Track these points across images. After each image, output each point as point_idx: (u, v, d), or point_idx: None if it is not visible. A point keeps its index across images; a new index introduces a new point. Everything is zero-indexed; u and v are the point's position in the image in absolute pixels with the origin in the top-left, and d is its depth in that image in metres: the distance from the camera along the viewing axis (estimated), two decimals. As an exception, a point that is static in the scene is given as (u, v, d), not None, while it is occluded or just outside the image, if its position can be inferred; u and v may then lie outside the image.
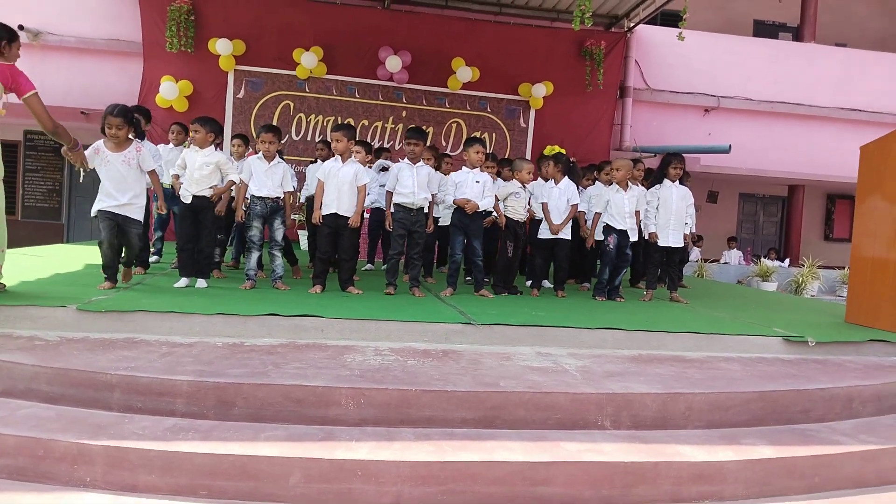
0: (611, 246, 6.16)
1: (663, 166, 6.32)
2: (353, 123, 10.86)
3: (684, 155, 6.52)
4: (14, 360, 3.31)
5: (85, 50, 10.67)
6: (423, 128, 11.02)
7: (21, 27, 10.23)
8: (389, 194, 5.87)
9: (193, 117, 7.29)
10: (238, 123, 10.52)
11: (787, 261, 13.74)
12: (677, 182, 6.30)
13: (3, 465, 2.81)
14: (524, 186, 6.22)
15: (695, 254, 13.38)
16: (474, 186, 5.85)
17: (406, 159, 5.78)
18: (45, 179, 12.21)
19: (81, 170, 5.00)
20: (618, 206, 6.15)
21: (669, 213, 6.24)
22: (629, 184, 6.24)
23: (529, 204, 6.41)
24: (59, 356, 3.43)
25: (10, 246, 8.68)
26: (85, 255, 7.24)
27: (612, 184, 6.28)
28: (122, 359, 3.45)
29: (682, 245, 6.42)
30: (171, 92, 10.12)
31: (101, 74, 10.70)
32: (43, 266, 6.05)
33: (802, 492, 3.15)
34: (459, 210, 5.81)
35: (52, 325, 3.98)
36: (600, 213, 6.24)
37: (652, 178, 6.49)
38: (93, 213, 4.99)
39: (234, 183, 5.57)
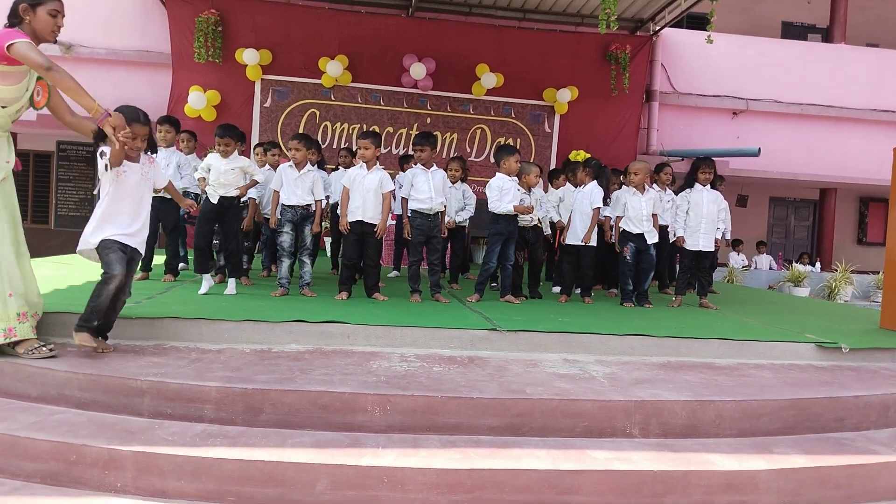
0: (627, 257, 6.13)
1: (693, 171, 6.26)
2: (378, 131, 10.90)
3: (713, 159, 6.42)
4: (47, 367, 3.38)
5: (115, 62, 10.87)
6: (448, 134, 11.09)
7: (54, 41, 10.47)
8: (405, 201, 5.87)
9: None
10: (265, 132, 10.63)
11: (819, 265, 13.49)
12: (708, 186, 6.22)
13: (37, 469, 2.86)
14: (530, 191, 6.22)
15: (737, 259, 13.21)
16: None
17: (419, 165, 5.79)
18: (77, 189, 12.44)
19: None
20: (635, 209, 6.12)
21: (700, 217, 6.17)
22: (646, 186, 6.22)
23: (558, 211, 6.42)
24: (91, 362, 3.48)
25: (43, 254, 8.88)
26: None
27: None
28: (152, 365, 3.50)
29: (712, 249, 6.33)
30: (199, 102, 10.27)
31: (130, 85, 10.86)
32: (74, 274, 6.15)
33: (837, 502, 3.08)
34: (504, 217, 5.80)
35: (84, 332, 4.03)
36: (621, 217, 6.19)
37: (683, 183, 6.41)
38: (94, 243, 3.80)
39: (257, 182, 5.73)
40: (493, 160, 6.12)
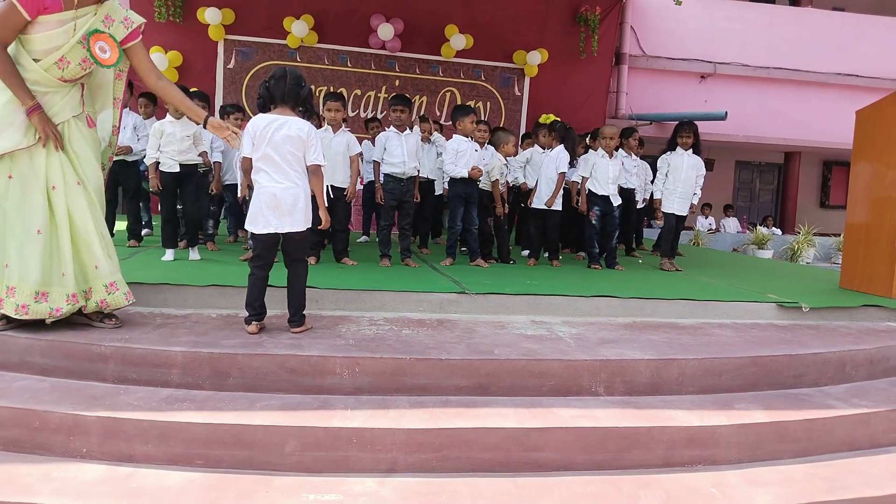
0: (593, 220, 6.17)
1: (673, 135, 6.27)
2: (346, 93, 10.74)
3: (694, 123, 6.43)
4: (7, 334, 3.30)
5: (72, 20, 10.49)
6: (417, 97, 10.96)
7: (7, -2, 10.07)
8: (377, 164, 5.81)
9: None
10: (229, 94, 10.39)
11: (778, 230, 13.75)
12: (690, 151, 6.25)
13: (0, 436, 2.82)
14: (506, 161, 6.22)
15: (703, 222, 13.39)
16: (474, 154, 5.82)
17: (392, 128, 5.71)
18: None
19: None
20: (602, 171, 6.16)
21: (678, 181, 6.21)
22: (614, 151, 6.24)
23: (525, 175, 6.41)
24: (53, 328, 3.42)
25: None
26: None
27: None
28: (116, 330, 3.45)
29: (685, 215, 6.39)
30: (160, 63, 9.95)
31: (89, 45, 10.53)
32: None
33: (795, 455, 3.18)
34: (461, 180, 5.77)
35: (45, 298, 3.95)
36: (586, 178, 6.22)
37: (665, 146, 6.43)
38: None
39: (205, 151, 5.60)
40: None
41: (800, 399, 3.50)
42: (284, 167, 3.52)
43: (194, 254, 5.31)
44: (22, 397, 2.94)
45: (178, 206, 5.79)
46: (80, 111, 3.47)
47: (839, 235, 12.23)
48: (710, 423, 3.11)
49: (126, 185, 5.90)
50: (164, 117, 5.42)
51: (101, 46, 3.38)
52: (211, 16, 10.02)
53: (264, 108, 3.62)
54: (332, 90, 10.64)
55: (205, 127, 3.64)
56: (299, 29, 10.27)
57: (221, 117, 6.87)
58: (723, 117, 11.29)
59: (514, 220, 7.74)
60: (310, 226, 3.66)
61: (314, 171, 3.64)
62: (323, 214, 3.74)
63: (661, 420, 3.10)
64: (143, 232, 6.73)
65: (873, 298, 5.00)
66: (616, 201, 6.29)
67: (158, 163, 5.36)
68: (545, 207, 6.18)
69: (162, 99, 3.97)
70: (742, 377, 3.58)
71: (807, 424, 3.23)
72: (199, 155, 5.45)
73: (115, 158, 5.73)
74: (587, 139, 6.92)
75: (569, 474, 2.90)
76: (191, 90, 5.87)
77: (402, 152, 5.62)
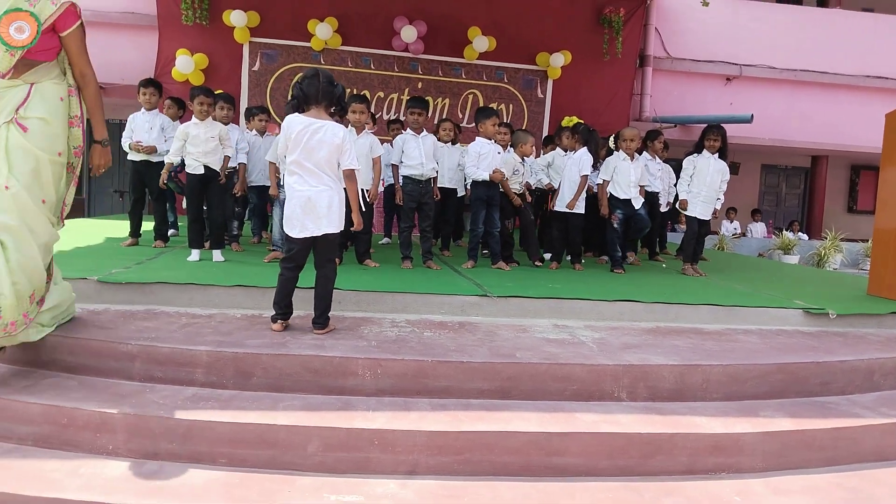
0: (615, 224, 6.13)
1: (701, 137, 6.21)
2: (368, 95, 10.76)
3: (722, 126, 6.36)
4: (37, 331, 3.36)
5: (100, 24, 10.61)
6: (440, 99, 10.98)
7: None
8: (395, 167, 5.84)
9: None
10: (254, 96, 10.48)
11: (805, 235, 13.56)
12: (716, 155, 6.18)
13: (29, 432, 2.87)
14: (524, 160, 6.20)
15: (728, 226, 13.25)
16: (496, 157, 5.81)
17: (409, 130, 5.73)
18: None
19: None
20: (624, 174, 6.11)
21: (702, 185, 6.13)
22: (635, 154, 6.20)
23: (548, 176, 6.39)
24: (81, 327, 3.47)
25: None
26: (106, 229, 7.31)
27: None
28: (143, 329, 3.49)
29: (708, 219, 6.33)
30: (186, 65, 10.09)
31: (116, 48, 10.66)
32: (63, 240, 6.05)
33: (821, 464, 3.14)
34: (483, 183, 5.77)
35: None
36: (607, 182, 6.17)
37: (692, 148, 6.37)
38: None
39: (228, 157, 5.58)
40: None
41: (826, 407, 3.45)
42: (318, 172, 3.55)
43: (218, 256, 5.36)
44: (50, 394, 2.99)
45: (205, 207, 5.86)
46: (10, 117, 3.10)
47: (867, 241, 12.03)
48: (735, 431, 3.07)
49: (152, 185, 5.97)
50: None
51: (18, 27, 3.01)
52: (236, 18, 10.13)
53: (297, 109, 3.63)
54: (355, 92, 10.69)
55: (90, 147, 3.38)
56: (323, 31, 10.34)
57: (247, 119, 6.96)
58: (748, 120, 11.16)
59: (537, 222, 7.72)
60: (342, 227, 3.68)
61: (349, 176, 3.68)
62: (356, 217, 3.78)
63: (684, 427, 3.08)
64: (170, 233, 6.81)
65: (902, 305, 4.92)
66: (637, 204, 6.24)
67: (179, 164, 5.42)
68: (567, 210, 6.15)
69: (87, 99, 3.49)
70: (768, 384, 3.54)
71: (833, 433, 3.18)
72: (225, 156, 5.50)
73: (141, 158, 5.83)
74: (609, 141, 6.88)
75: (591, 480, 2.88)
76: (216, 92, 5.94)
77: (419, 154, 5.64)
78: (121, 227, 6.22)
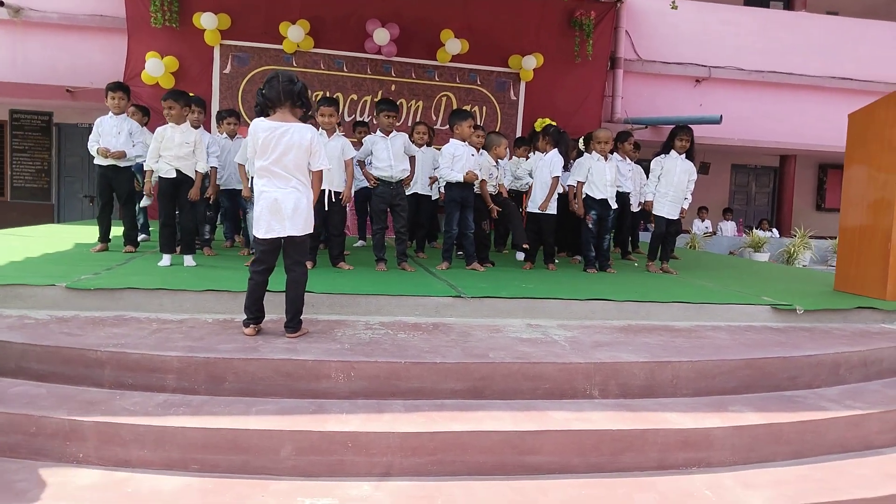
0: (590, 224, 6.19)
1: (670, 138, 6.26)
2: (341, 98, 10.78)
3: (690, 127, 6.44)
4: (3, 339, 3.31)
5: (68, 26, 10.50)
6: (413, 102, 10.99)
7: (1, 3, 10.08)
8: (361, 164, 5.85)
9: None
10: (225, 99, 10.41)
11: (776, 231, 13.79)
12: (683, 155, 6.26)
13: (-4, 442, 2.83)
14: (497, 162, 6.24)
15: (700, 225, 13.41)
16: (471, 159, 5.84)
17: (378, 132, 5.74)
18: (34, 160, 12.08)
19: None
20: (599, 175, 6.16)
21: (670, 185, 6.21)
22: (609, 155, 6.28)
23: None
24: (49, 334, 3.43)
25: (1, 227, 8.66)
26: (75, 235, 7.21)
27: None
28: (113, 336, 3.46)
29: (675, 218, 6.41)
30: (156, 69, 9.98)
31: (85, 51, 10.54)
32: (32, 246, 6.02)
33: (788, 457, 3.20)
34: (457, 184, 5.79)
35: (42, 304, 3.98)
36: (582, 183, 6.23)
37: (659, 148, 6.44)
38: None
39: (203, 173, 5.52)
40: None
41: (793, 401, 3.52)
42: (286, 174, 3.54)
43: (190, 260, 5.31)
44: (19, 403, 2.95)
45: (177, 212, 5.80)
46: None
47: (835, 238, 12.26)
48: (705, 426, 3.12)
49: (119, 190, 5.89)
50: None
51: None
52: (207, 21, 10.06)
53: (263, 113, 3.62)
54: (327, 95, 10.66)
55: None
56: (295, 34, 10.30)
57: (217, 122, 6.91)
58: (717, 121, 11.33)
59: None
60: (311, 231, 3.68)
61: (318, 176, 3.71)
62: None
63: (655, 422, 3.12)
64: (140, 237, 6.73)
65: (867, 300, 5.03)
66: (613, 205, 6.30)
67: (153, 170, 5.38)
68: (540, 211, 6.20)
69: None
70: (736, 379, 3.60)
71: (800, 426, 3.25)
72: (196, 172, 5.44)
73: (108, 163, 5.76)
74: (580, 143, 6.94)
75: (564, 477, 2.91)
76: (189, 95, 5.90)
77: (388, 155, 5.64)
78: (90, 233, 6.13)
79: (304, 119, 3.68)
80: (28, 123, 12.00)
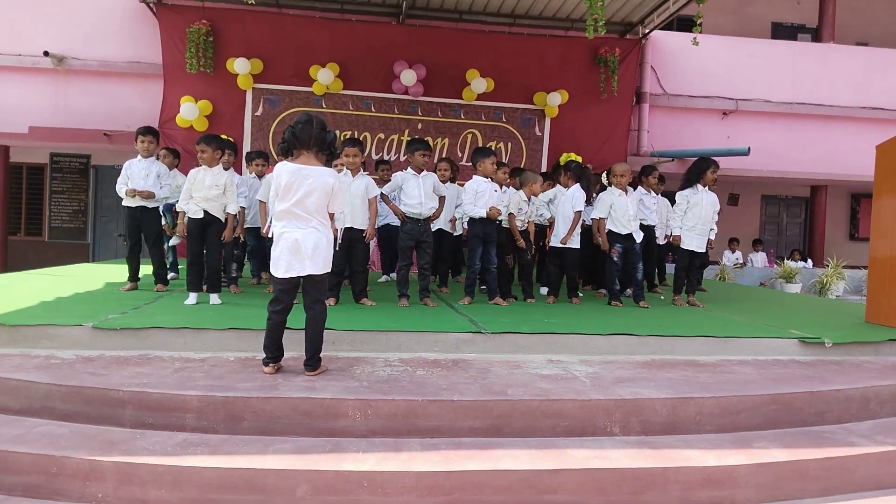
0: (615, 258, 6.14)
1: (700, 170, 6.22)
2: (369, 137, 10.95)
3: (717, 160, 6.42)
4: (30, 380, 3.39)
5: (107, 73, 10.89)
6: (439, 139, 11.12)
7: (46, 53, 10.51)
8: (385, 196, 5.89)
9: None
10: (256, 140, 10.65)
11: (811, 262, 13.51)
12: (707, 188, 6.24)
13: (19, 482, 2.88)
14: (528, 199, 6.26)
15: (730, 257, 13.23)
16: (493, 195, 5.88)
17: (410, 169, 5.80)
18: (71, 200, 12.45)
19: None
20: (622, 210, 6.13)
21: (698, 218, 6.18)
22: (629, 188, 6.26)
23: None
24: (74, 374, 3.50)
25: (37, 266, 8.90)
26: (106, 274, 7.37)
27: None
28: (135, 375, 3.51)
29: (703, 251, 6.36)
30: (190, 112, 10.28)
31: (123, 97, 10.90)
32: (64, 286, 6.16)
33: (816, 494, 3.11)
34: (480, 220, 5.83)
35: (69, 344, 4.06)
36: (605, 218, 6.20)
37: (683, 182, 6.41)
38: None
39: (234, 214, 5.63)
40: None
41: (821, 437, 3.42)
42: (307, 216, 3.62)
43: (215, 299, 5.39)
44: (41, 443, 3.00)
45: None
46: None
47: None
48: (728, 463, 3.05)
49: (148, 230, 6.02)
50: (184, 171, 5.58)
51: None
52: (240, 66, 10.36)
53: (287, 152, 3.69)
54: (355, 134, 10.86)
55: None
56: (325, 77, 10.54)
57: (247, 163, 7.07)
58: (745, 153, 11.22)
59: (536, 256, 7.74)
60: (329, 269, 3.73)
61: (331, 216, 3.80)
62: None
63: (677, 460, 3.05)
64: (170, 276, 6.86)
65: (900, 333, 4.89)
66: (638, 237, 6.26)
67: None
68: (562, 245, 6.18)
69: None
70: (762, 415, 3.52)
71: (827, 463, 3.16)
72: (226, 214, 5.57)
73: (137, 204, 5.91)
74: (603, 177, 6.93)
75: (582, 517, 2.86)
76: (222, 138, 6.07)
77: (419, 193, 5.69)
78: (122, 272, 6.27)
79: (326, 165, 3.76)
80: (67, 166, 12.39)
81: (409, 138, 11.00)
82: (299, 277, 3.64)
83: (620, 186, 6.15)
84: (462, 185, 6.81)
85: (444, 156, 10.81)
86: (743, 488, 3.00)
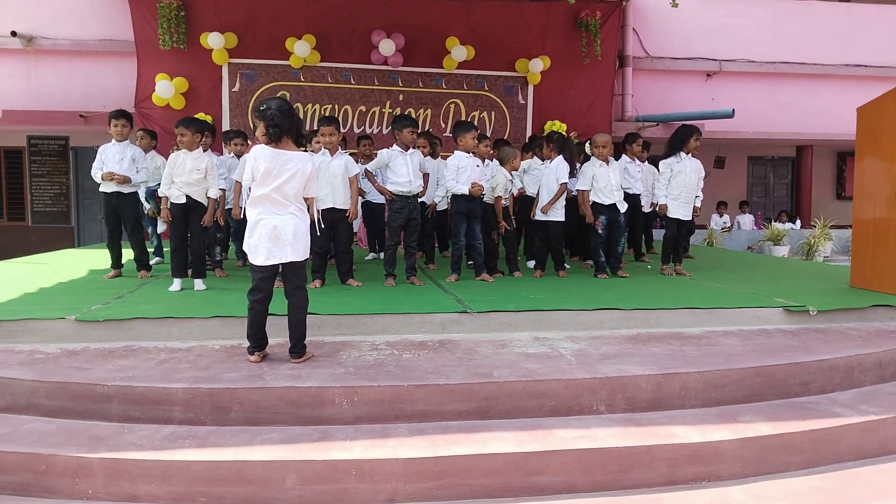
0: (599, 230, 6.13)
1: (683, 138, 6.20)
2: (350, 110, 10.83)
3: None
4: (14, 376, 3.37)
5: (79, 52, 10.67)
6: (422, 110, 11.00)
7: (14, 33, 10.26)
8: (370, 173, 5.83)
9: (188, 115, 7.33)
10: (235, 117, 10.50)
11: (799, 222, 13.59)
12: (690, 155, 6.22)
13: (7, 481, 2.87)
14: (512, 175, 6.22)
15: (721, 221, 13.27)
16: (475, 170, 5.82)
17: (396, 146, 5.71)
18: (52, 184, 12.27)
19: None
20: (604, 180, 6.11)
21: (682, 186, 6.18)
22: (610, 158, 6.22)
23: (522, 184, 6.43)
24: (59, 369, 3.47)
25: (22, 252, 8.79)
26: (90, 261, 7.30)
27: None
28: (120, 368, 3.49)
29: (689, 218, 6.37)
30: (166, 90, 10.10)
31: (97, 76, 10.70)
32: (46, 275, 6.11)
33: (802, 467, 3.15)
34: (462, 196, 5.78)
35: (53, 338, 4.03)
36: (587, 190, 6.18)
37: (666, 150, 6.39)
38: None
39: (214, 199, 5.56)
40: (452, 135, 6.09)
41: (806, 408, 3.46)
42: (284, 201, 3.58)
43: (200, 284, 5.36)
44: (29, 441, 2.99)
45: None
46: None
47: (856, 228, 12.06)
48: (714, 438, 3.08)
49: (126, 216, 5.93)
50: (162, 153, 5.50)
51: None
52: (214, 40, 10.15)
53: (279, 138, 3.57)
54: (336, 108, 10.73)
55: None
56: (302, 49, 10.36)
57: (224, 143, 6.97)
58: (730, 115, 11.19)
59: (521, 231, 7.72)
60: (308, 256, 3.70)
61: (311, 200, 3.79)
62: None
63: (662, 437, 3.08)
64: (155, 260, 6.80)
65: (883, 297, 4.93)
66: (622, 207, 6.25)
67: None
68: (547, 218, 6.16)
69: None
70: (746, 388, 3.55)
71: (812, 435, 3.19)
72: (208, 198, 5.50)
73: (113, 189, 5.82)
74: (586, 147, 6.89)
75: (570, 497, 2.89)
76: (201, 121, 5.98)
77: (407, 171, 5.62)
78: (106, 258, 6.20)
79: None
80: (45, 148, 12.20)
81: (390, 110, 10.90)
82: (278, 265, 3.62)
83: (601, 157, 6.12)
84: (445, 157, 6.76)
85: (426, 128, 10.74)
86: (728, 463, 3.04)
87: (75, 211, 12.42)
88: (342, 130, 6.82)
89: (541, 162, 6.61)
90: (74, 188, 12.34)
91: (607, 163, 6.14)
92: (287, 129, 3.58)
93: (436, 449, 2.92)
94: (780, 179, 15.65)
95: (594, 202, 6.16)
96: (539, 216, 6.24)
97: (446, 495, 2.85)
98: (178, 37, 10.13)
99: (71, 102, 10.55)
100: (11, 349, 3.85)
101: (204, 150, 5.84)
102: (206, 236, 5.65)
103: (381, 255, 6.62)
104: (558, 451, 2.94)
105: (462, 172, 5.75)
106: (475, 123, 9.80)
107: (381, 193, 5.83)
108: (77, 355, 3.75)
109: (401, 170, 5.64)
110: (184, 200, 5.39)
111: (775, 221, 13.08)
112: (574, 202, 6.47)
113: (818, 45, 12.69)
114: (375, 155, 6.15)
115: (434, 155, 7.26)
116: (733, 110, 11.27)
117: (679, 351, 3.89)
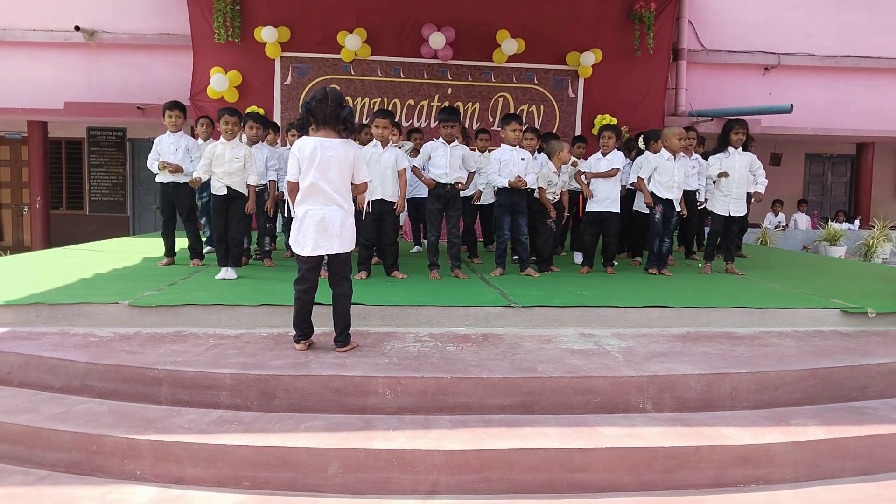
0: (658, 216, 5.99)
1: (725, 132, 6.06)
2: (399, 104, 10.86)
3: (744, 118, 6.23)
4: (70, 358, 3.47)
5: (137, 46, 10.95)
6: (470, 104, 10.96)
7: (77, 28, 10.59)
8: (416, 168, 5.85)
9: (244, 108, 7.42)
10: (287, 110, 10.63)
11: (857, 222, 13.11)
12: (740, 148, 6.06)
13: (61, 458, 2.97)
14: (558, 170, 6.13)
15: (773, 219, 12.90)
16: (519, 164, 5.76)
17: (440, 139, 5.71)
18: (109, 174, 12.65)
19: None
20: (668, 175, 5.96)
21: (732, 182, 6.02)
22: (681, 154, 6.07)
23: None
24: (112, 353, 3.57)
25: (79, 240, 9.09)
26: (145, 249, 7.50)
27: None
28: (170, 353, 3.57)
29: (742, 214, 6.20)
30: (221, 83, 10.29)
31: (154, 69, 10.96)
32: (102, 262, 6.28)
33: (856, 473, 3.04)
34: (505, 190, 5.73)
35: (107, 322, 4.14)
36: (642, 179, 6.05)
37: (715, 146, 6.23)
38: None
39: (255, 186, 5.63)
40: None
41: (862, 413, 3.33)
42: (330, 191, 3.59)
43: (231, 273, 5.38)
44: (81, 420, 3.08)
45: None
46: None
47: (919, 228, 11.61)
48: (765, 441, 3.00)
49: (181, 205, 6.06)
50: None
51: None
52: (267, 34, 10.30)
53: (304, 129, 3.66)
54: (386, 102, 10.78)
55: None
56: (353, 42, 10.43)
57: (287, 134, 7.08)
58: (788, 110, 10.83)
59: (570, 224, 7.62)
60: (353, 247, 3.72)
61: (363, 189, 3.83)
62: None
63: (711, 438, 3.01)
64: (207, 249, 6.92)
65: (949, 301, 4.73)
66: (678, 207, 6.10)
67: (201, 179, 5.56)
68: (604, 211, 6.07)
69: None
70: (800, 391, 3.44)
71: (869, 440, 3.08)
72: (248, 185, 5.57)
73: (169, 180, 5.95)
74: (639, 142, 6.76)
75: (614, 496, 2.84)
76: (248, 110, 6.07)
77: (445, 163, 5.60)
78: (160, 246, 6.36)
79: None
80: (104, 140, 12.57)
81: (438, 104, 10.88)
82: (323, 256, 3.64)
83: (675, 151, 5.94)
84: (492, 150, 6.71)
85: (475, 121, 10.72)
86: (779, 467, 2.95)
87: (131, 201, 12.77)
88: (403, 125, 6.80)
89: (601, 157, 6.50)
90: (130, 179, 12.69)
91: (674, 157, 5.98)
92: (319, 120, 3.60)
93: (478, 442, 2.91)
94: (839, 178, 15.12)
95: (652, 193, 6.02)
96: (594, 207, 6.11)
97: (487, 489, 2.84)
98: (232, 31, 10.31)
99: (129, 95, 10.82)
100: (67, 332, 3.98)
101: (254, 143, 5.93)
102: (244, 226, 5.72)
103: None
104: (603, 449, 2.90)
105: (504, 166, 5.71)
106: (522, 117, 9.72)
107: (427, 186, 5.82)
108: (129, 339, 3.85)
109: (439, 161, 5.65)
110: (224, 192, 5.48)
111: (832, 221, 12.63)
112: (626, 198, 6.35)
113: (883, 37, 12.19)
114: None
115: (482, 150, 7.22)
116: (791, 105, 10.90)
117: (730, 351, 3.79)
